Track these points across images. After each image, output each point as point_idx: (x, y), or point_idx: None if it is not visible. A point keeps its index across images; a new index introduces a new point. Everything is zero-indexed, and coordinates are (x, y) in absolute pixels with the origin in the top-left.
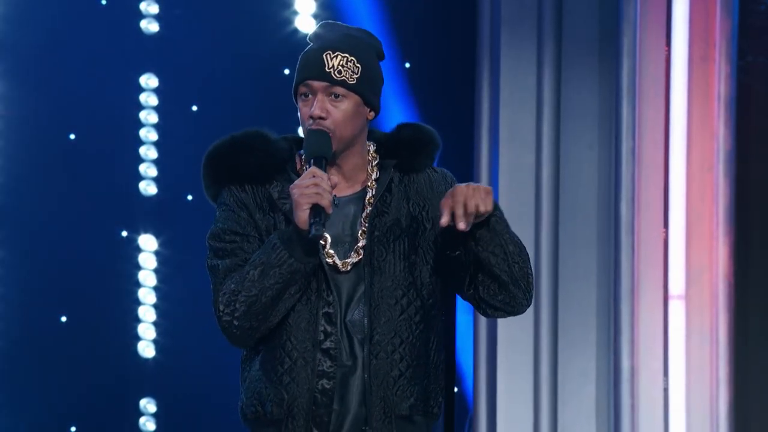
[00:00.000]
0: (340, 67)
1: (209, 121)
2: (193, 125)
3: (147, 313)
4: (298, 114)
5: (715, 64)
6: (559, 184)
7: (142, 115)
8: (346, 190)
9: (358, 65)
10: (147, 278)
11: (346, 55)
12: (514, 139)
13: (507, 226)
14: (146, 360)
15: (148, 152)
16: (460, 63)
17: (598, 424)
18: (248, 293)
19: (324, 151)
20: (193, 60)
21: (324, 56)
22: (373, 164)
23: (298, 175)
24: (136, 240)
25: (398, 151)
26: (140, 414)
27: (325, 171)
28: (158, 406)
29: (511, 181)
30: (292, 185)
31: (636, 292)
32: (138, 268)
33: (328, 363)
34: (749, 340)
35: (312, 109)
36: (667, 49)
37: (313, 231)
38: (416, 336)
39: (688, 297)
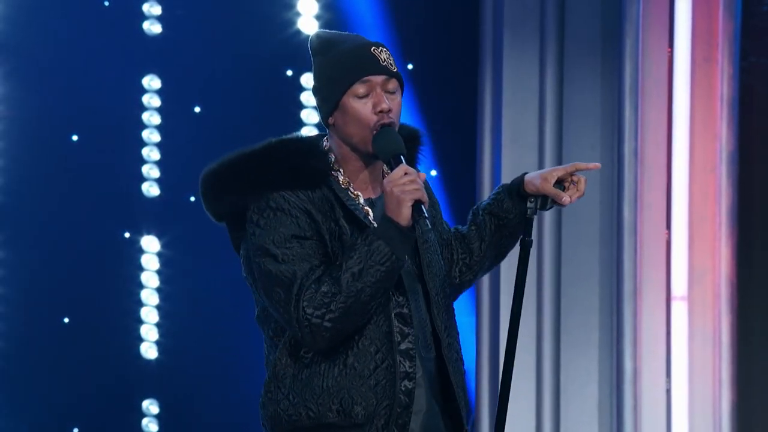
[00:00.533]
0: (389, 60)
1: (211, 123)
2: (195, 126)
3: (149, 315)
4: (331, 119)
5: (718, 66)
6: None
7: (145, 117)
8: (376, 191)
9: (391, 59)
10: (149, 280)
11: (386, 49)
12: (516, 139)
13: None
14: (149, 361)
15: (151, 153)
16: (463, 64)
17: (601, 425)
18: (347, 293)
19: (400, 147)
20: (196, 61)
21: (372, 51)
22: (385, 168)
23: (333, 181)
24: (138, 241)
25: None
26: (143, 415)
27: (404, 161)
28: (161, 407)
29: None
30: (387, 182)
31: (638, 293)
32: (140, 269)
33: (408, 363)
34: (752, 341)
35: (381, 104)
36: (669, 50)
37: (426, 226)
38: (456, 329)
39: (690, 298)
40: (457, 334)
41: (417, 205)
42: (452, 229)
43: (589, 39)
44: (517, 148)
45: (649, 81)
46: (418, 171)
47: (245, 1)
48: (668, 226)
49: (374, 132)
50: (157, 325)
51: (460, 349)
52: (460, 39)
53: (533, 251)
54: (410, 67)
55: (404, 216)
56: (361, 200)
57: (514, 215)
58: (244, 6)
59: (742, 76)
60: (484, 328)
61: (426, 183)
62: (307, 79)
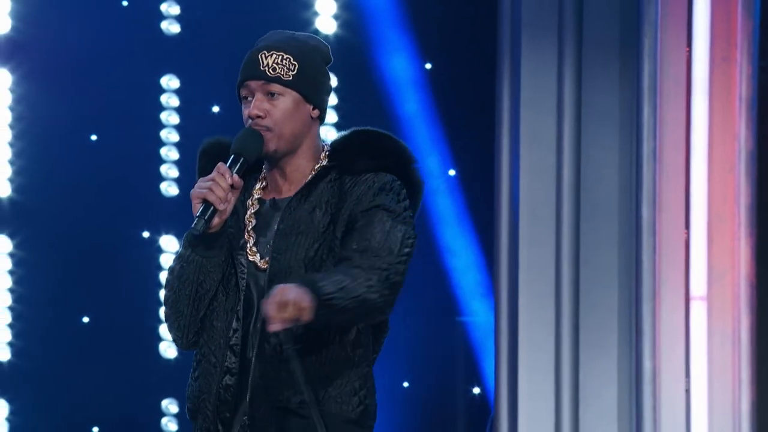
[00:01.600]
0: (274, 65)
1: (230, 122)
2: (214, 126)
3: None
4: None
5: (737, 65)
6: (580, 185)
7: (164, 116)
8: (286, 193)
9: (295, 63)
10: None
11: (281, 53)
12: (535, 140)
13: (336, 297)
14: (168, 360)
15: (170, 153)
16: (481, 64)
17: (620, 426)
18: (166, 288)
19: (247, 151)
20: (214, 61)
21: (259, 56)
22: (316, 167)
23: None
24: (157, 241)
25: (345, 154)
26: (162, 414)
27: (240, 171)
28: (180, 406)
29: (532, 183)
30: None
31: (657, 294)
32: (160, 268)
33: (233, 359)
34: None
35: (248, 109)
36: (688, 49)
37: (193, 226)
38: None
39: (709, 298)
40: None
41: (205, 204)
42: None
43: (607, 38)
44: (535, 148)
45: (667, 80)
46: (378, 178)
47: (263, 1)
48: (687, 226)
49: None
50: None
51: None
52: (478, 39)
53: (551, 251)
54: (428, 66)
55: (194, 213)
56: (254, 198)
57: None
58: (263, 6)
59: (761, 75)
60: (502, 328)
61: (373, 191)
62: None
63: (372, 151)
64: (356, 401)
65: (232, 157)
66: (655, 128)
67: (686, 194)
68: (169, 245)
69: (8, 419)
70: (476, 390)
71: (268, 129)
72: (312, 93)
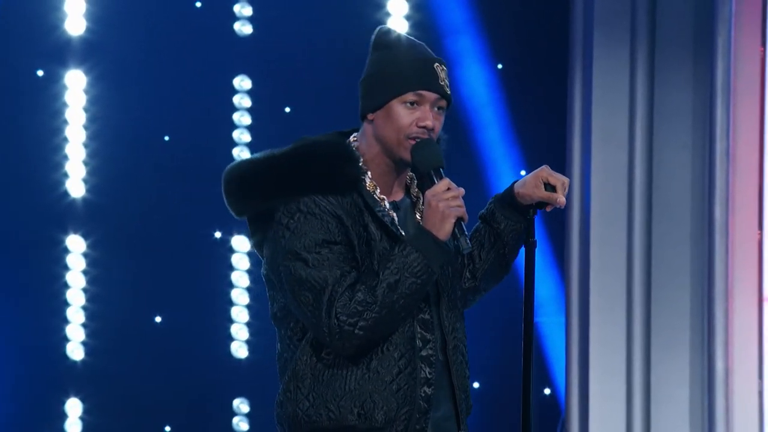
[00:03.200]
0: (446, 81)
1: (302, 123)
2: (286, 126)
3: (240, 314)
4: (371, 115)
5: None
6: (652, 184)
7: (236, 117)
8: (396, 195)
9: (448, 80)
10: (240, 279)
11: (445, 68)
12: (607, 139)
13: None
14: (239, 360)
15: (242, 154)
16: (553, 64)
17: (692, 427)
18: (382, 303)
19: (440, 161)
20: (286, 62)
21: (435, 68)
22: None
23: (365, 190)
24: (229, 241)
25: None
26: (233, 414)
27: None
28: (251, 406)
29: (604, 182)
30: (430, 195)
31: (730, 294)
32: (231, 268)
33: (428, 369)
34: None
35: (426, 120)
36: (762, 49)
37: (467, 245)
38: (464, 332)
39: None
40: (465, 337)
41: (459, 222)
42: None
43: (680, 38)
44: (607, 147)
45: (741, 80)
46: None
47: (335, 2)
48: (760, 227)
49: (411, 141)
50: (248, 324)
51: (466, 352)
52: (550, 38)
53: (623, 250)
54: (500, 66)
55: (446, 231)
56: (386, 204)
57: (505, 225)
58: (335, 6)
59: None
60: (573, 329)
61: None
62: None
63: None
64: None
65: (437, 171)
66: (728, 127)
67: (759, 194)
68: (241, 245)
69: (82, 418)
70: (547, 391)
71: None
72: None
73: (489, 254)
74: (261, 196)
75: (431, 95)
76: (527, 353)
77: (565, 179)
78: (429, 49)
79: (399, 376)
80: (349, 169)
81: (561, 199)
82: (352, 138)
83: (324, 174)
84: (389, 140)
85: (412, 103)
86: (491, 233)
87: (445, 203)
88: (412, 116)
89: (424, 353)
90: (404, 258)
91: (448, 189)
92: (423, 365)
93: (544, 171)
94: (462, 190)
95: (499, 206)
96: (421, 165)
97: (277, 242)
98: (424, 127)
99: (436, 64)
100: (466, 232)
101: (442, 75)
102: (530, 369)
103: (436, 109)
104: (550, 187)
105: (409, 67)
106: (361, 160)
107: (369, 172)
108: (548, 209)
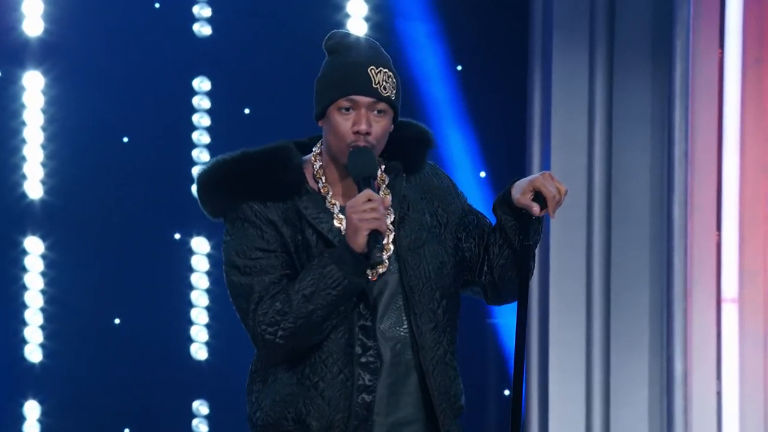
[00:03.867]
0: (384, 83)
1: (261, 124)
2: (245, 128)
3: (199, 316)
4: (321, 122)
5: None
6: (611, 187)
7: (195, 118)
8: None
9: (395, 80)
10: (199, 280)
11: (386, 70)
12: (566, 142)
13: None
14: (199, 362)
15: (201, 155)
16: (512, 66)
17: (651, 428)
18: (297, 314)
19: (372, 171)
20: (246, 63)
21: (369, 71)
22: (381, 169)
23: (309, 191)
24: (189, 243)
25: (401, 152)
26: (193, 416)
27: (373, 189)
28: (211, 408)
29: (563, 184)
30: (348, 206)
31: (689, 296)
32: (191, 270)
33: (368, 377)
34: None
35: (359, 125)
36: (720, 51)
37: (377, 257)
38: (455, 332)
39: (741, 300)
40: (450, 339)
41: (373, 234)
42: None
43: (639, 40)
44: (566, 150)
45: (699, 82)
46: (434, 167)
47: (295, 3)
48: (719, 228)
49: (350, 149)
50: (207, 326)
51: (452, 353)
52: (509, 41)
53: (582, 252)
54: (459, 68)
55: (359, 244)
56: (337, 208)
57: (504, 222)
58: (294, 8)
59: None
60: (533, 330)
61: (445, 174)
62: None
63: (423, 146)
64: None
65: (365, 180)
66: (687, 130)
67: (718, 196)
68: (200, 247)
69: (40, 420)
70: (507, 392)
71: (372, 145)
72: (398, 112)
73: (502, 249)
74: (214, 201)
75: (364, 99)
76: (519, 356)
77: (559, 191)
78: (378, 51)
79: (333, 382)
80: (288, 176)
81: (535, 209)
82: (320, 143)
83: (263, 181)
84: (333, 147)
85: (347, 109)
86: (499, 227)
87: (358, 215)
88: (348, 122)
89: (363, 360)
90: (321, 269)
91: (369, 200)
92: (362, 372)
93: (538, 180)
94: (387, 200)
95: (498, 202)
96: (352, 173)
97: (222, 248)
98: (358, 132)
99: (371, 67)
100: (380, 246)
101: (378, 77)
102: (522, 373)
103: (375, 112)
104: (541, 196)
105: (340, 74)
106: (319, 164)
107: (324, 177)
108: (542, 213)
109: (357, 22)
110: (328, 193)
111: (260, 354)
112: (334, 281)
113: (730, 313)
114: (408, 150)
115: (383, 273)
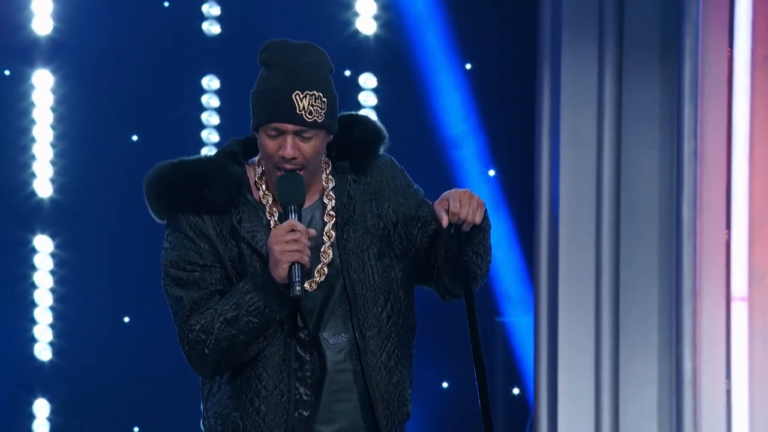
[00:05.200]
0: (310, 108)
1: None
2: None
3: None
4: (259, 143)
5: None
6: (620, 185)
7: (204, 117)
8: (310, 200)
9: (325, 99)
10: None
11: (314, 92)
12: (575, 140)
13: (490, 227)
14: None
15: (210, 154)
16: (521, 64)
17: (660, 427)
18: (219, 337)
19: (299, 198)
20: (255, 61)
21: (293, 97)
22: (327, 172)
23: (248, 201)
24: None
25: (349, 152)
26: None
27: (300, 214)
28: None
29: (572, 182)
30: (271, 237)
31: (698, 294)
32: None
33: (305, 391)
34: None
35: (284, 149)
36: (729, 49)
37: (296, 292)
38: (402, 337)
39: (750, 299)
40: (398, 343)
41: (295, 265)
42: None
43: (648, 38)
44: (575, 147)
45: (708, 80)
46: (389, 161)
47: (303, 2)
48: (728, 226)
49: (278, 172)
50: None
51: (399, 358)
52: (519, 38)
53: (591, 251)
54: (468, 66)
55: (280, 275)
56: (275, 217)
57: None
58: (303, 6)
59: None
60: (542, 329)
61: (399, 168)
62: (365, 79)
63: (373, 145)
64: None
65: (291, 209)
66: (696, 128)
67: (727, 194)
68: None
69: (49, 419)
70: (516, 391)
71: (302, 167)
72: (335, 125)
73: (447, 254)
74: (157, 205)
75: (288, 127)
76: (478, 362)
77: (461, 204)
78: (309, 69)
79: (269, 398)
80: (224, 188)
81: (444, 219)
82: None
83: (198, 193)
84: (265, 165)
85: (273, 136)
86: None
87: (280, 246)
88: (276, 146)
89: (299, 374)
90: (243, 295)
91: (291, 230)
92: (299, 386)
93: (450, 193)
94: (312, 232)
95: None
96: (279, 198)
97: (161, 254)
98: (283, 158)
99: (296, 92)
100: (298, 279)
101: (304, 103)
102: (485, 383)
103: (302, 137)
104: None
105: (264, 100)
106: (259, 171)
107: (264, 186)
108: (464, 229)
109: (366, 21)
110: (268, 202)
111: (191, 366)
112: (254, 309)
113: (739, 312)
114: (357, 150)
115: (325, 279)
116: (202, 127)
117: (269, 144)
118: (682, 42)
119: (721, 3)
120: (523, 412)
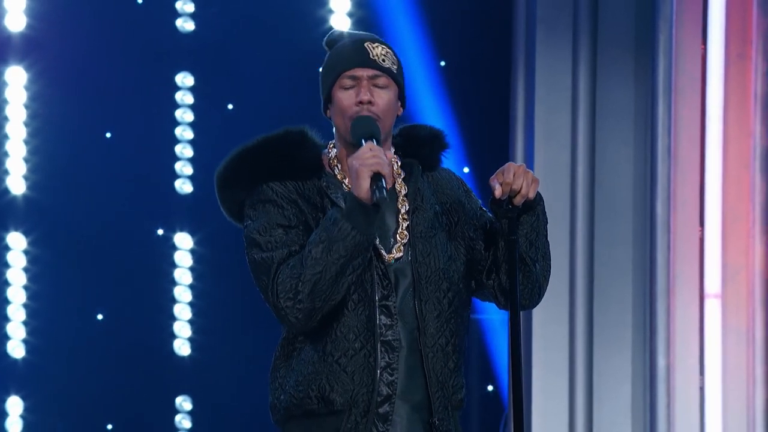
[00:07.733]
0: (383, 56)
1: (245, 120)
2: (228, 123)
3: (183, 311)
4: (328, 111)
5: (752, 62)
6: (594, 182)
7: (178, 114)
8: None
9: (396, 58)
10: (183, 276)
11: (385, 46)
12: (549, 137)
13: (547, 222)
14: (182, 358)
15: (184, 150)
16: (496, 61)
17: (634, 423)
18: (312, 271)
19: (374, 132)
20: (229, 58)
21: (366, 45)
22: (398, 164)
23: (327, 174)
24: (172, 238)
25: (417, 150)
26: (176, 411)
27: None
28: (194, 403)
29: (546, 179)
30: (350, 158)
31: (672, 291)
32: (174, 266)
33: (390, 355)
34: None
35: (361, 95)
36: (703, 46)
37: (377, 195)
38: (459, 328)
39: (724, 295)
40: (454, 329)
41: (376, 176)
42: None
43: (622, 36)
44: (549, 145)
45: (682, 78)
46: (450, 171)
47: None
48: (702, 224)
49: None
50: (190, 321)
51: (456, 344)
52: (493, 36)
53: (566, 248)
54: (443, 64)
55: (363, 188)
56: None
57: (496, 223)
58: (277, 3)
59: None
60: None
61: (459, 178)
62: None
63: (439, 146)
64: None
65: (364, 140)
66: (669, 125)
67: (701, 191)
68: (183, 242)
69: (22, 416)
70: (490, 388)
71: (378, 117)
72: (404, 90)
73: (503, 251)
74: (233, 190)
75: (363, 72)
76: (515, 352)
77: (515, 176)
78: (374, 36)
79: (354, 358)
80: (305, 154)
81: (497, 190)
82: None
83: (283, 160)
84: (341, 128)
85: (348, 87)
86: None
87: (359, 161)
88: (351, 97)
89: (383, 338)
90: (330, 224)
91: (370, 150)
92: (384, 350)
93: (505, 166)
94: (389, 154)
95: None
96: (354, 138)
97: (243, 234)
98: (360, 103)
99: (367, 42)
100: (384, 186)
101: (376, 51)
102: (519, 368)
103: (378, 87)
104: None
105: (341, 53)
106: (334, 152)
107: (340, 164)
108: (516, 202)
109: (340, 18)
110: (344, 179)
111: (287, 326)
112: (343, 233)
113: (713, 309)
114: (423, 148)
115: (399, 257)
116: (176, 123)
117: (344, 98)
118: (656, 39)
119: (694, 1)
120: (497, 409)
